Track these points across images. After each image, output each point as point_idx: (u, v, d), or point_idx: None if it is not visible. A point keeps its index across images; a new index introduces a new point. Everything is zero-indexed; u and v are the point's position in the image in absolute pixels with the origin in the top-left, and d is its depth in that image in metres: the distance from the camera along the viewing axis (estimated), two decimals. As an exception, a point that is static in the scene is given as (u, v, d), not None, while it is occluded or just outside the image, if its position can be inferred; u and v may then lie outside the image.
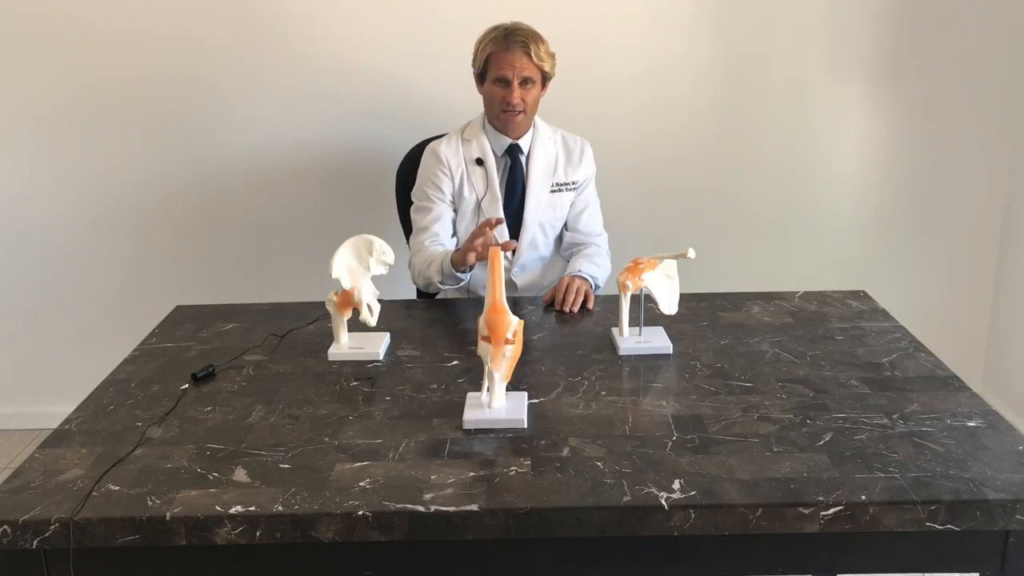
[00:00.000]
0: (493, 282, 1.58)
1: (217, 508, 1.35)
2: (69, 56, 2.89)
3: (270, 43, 2.89)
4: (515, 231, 2.41)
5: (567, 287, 2.19)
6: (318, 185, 3.03)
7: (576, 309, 2.16)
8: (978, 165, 3.05)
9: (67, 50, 2.88)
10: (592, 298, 2.20)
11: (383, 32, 2.89)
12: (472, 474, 1.43)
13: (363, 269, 1.90)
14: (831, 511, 1.34)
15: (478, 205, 2.37)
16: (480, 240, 2.11)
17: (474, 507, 1.34)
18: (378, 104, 2.94)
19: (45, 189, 3.02)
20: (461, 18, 2.82)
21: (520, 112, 2.29)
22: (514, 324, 1.60)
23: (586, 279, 2.26)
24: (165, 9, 2.85)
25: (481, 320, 1.60)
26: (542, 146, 2.40)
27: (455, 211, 2.40)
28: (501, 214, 2.37)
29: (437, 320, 2.16)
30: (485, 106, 2.37)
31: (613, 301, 2.16)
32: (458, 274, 2.21)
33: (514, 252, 2.41)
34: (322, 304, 1.97)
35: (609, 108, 2.96)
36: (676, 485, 1.39)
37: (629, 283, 1.90)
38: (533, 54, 2.24)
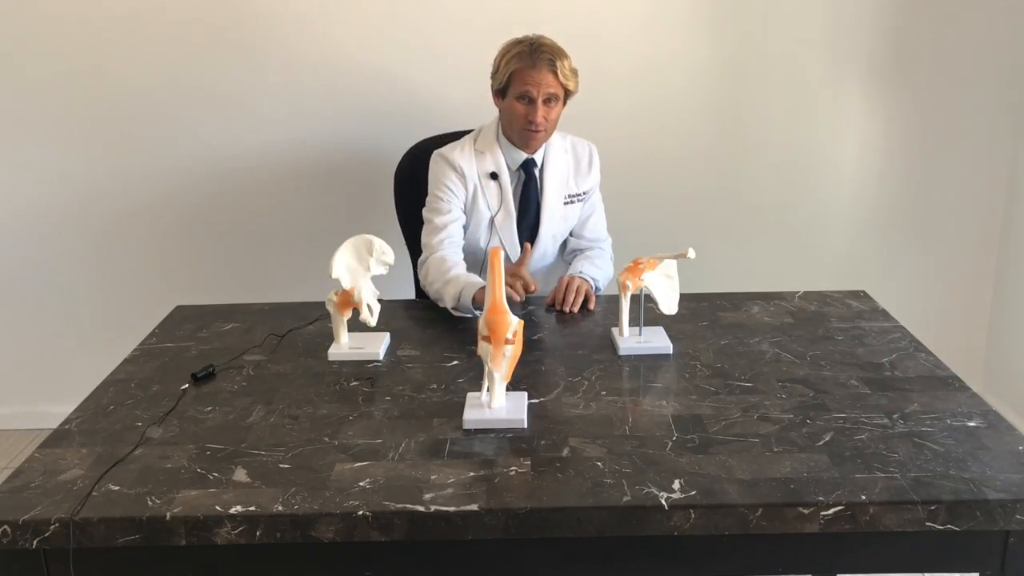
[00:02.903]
0: (493, 282, 1.58)
1: (217, 508, 1.35)
2: (69, 55, 2.89)
3: (271, 41, 2.89)
4: (532, 243, 2.34)
5: (567, 287, 2.19)
6: (318, 185, 3.03)
7: (576, 309, 2.16)
8: (978, 165, 3.05)
9: (67, 49, 2.88)
10: (592, 298, 2.20)
11: (383, 31, 2.89)
12: (472, 474, 1.43)
13: (363, 269, 1.90)
14: (831, 511, 1.34)
15: (491, 221, 2.33)
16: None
17: (474, 507, 1.34)
18: (379, 103, 2.94)
19: (45, 189, 3.02)
20: (461, 17, 2.82)
21: (542, 131, 2.24)
22: (514, 324, 1.60)
23: (586, 280, 2.26)
24: (165, 6, 2.85)
25: (481, 320, 1.60)
26: (555, 159, 2.36)
27: (468, 219, 2.34)
28: (515, 232, 2.33)
29: (437, 320, 2.16)
30: (503, 121, 2.30)
31: (613, 301, 2.16)
32: (476, 312, 2.10)
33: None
34: (322, 304, 1.97)
35: (607, 106, 2.95)
36: (676, 485, 1.39)
37: (629, 283, 1.90)
38: (559, 72, 2.19)
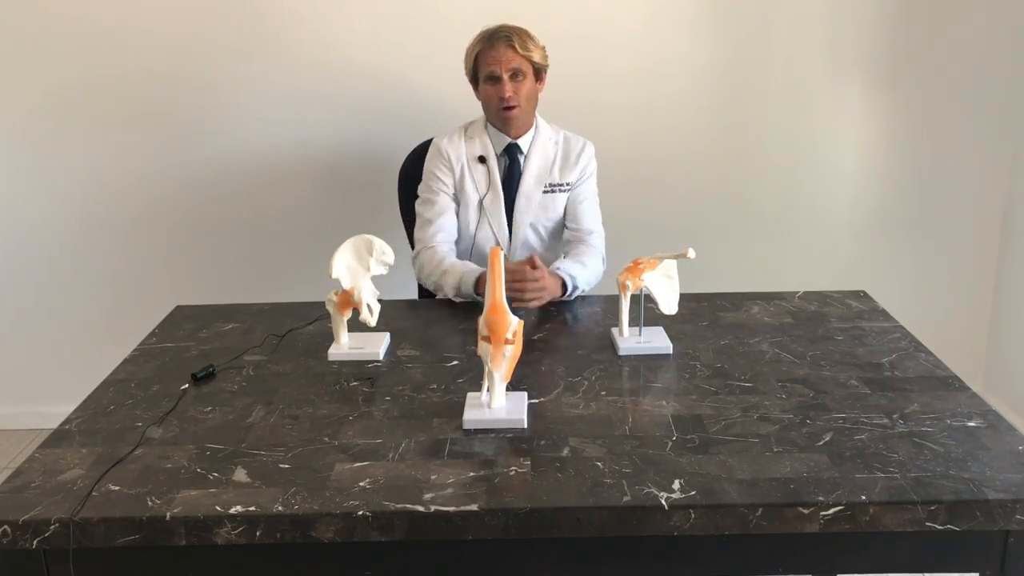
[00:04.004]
0: (493, 282, 1.58)
1: (217, 508, 1.35)
2: (69, 54, 2.89)
3: (272, 42, 2.89)
4: (509, 229, 2.40)
5: (528, 276, 2.08)
6: (319, 185, 3.03)
7: (529, 305, 2.09)
8: (978, 165, 3.05)
9: (68, 48, 2.89)
10: (558, 296, 2.16)
11: (385, 32, 2.89)
12: (472, 474, 1.43)
13: (363, 269, 1.90)
14: (831, 511, 1.34)
15: (480, 203, 2.37)
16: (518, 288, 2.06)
17: (474, 507, 1.34)
18: (380, 104, 2.94)
19: (45, 188, 3.02)
20: (463, 18, 2.81)
21: (515, 106, 2.28)
22: (514, 324, 1.60)
23: (562, 277, 2.18)
24: (166, 7, 2.85)
25: (481, 320, 1.60)
26: (541, 146, 2.39)
27: (458, 204, 2.39)
28: (503, 215, 2.37)
29: (437, 320, 2.16)
30: (484, 109, 2.37)
31: (613, 301, 2.16)
32: (478, 297, 2.16)
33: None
34: (322, 304, 1.97)
35: (607, 106, 2.95)
36: (676, 485, 1.39)
37: (629, 283, 1.90)
38: (518, 46, 2.24)
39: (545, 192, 2.39)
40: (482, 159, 2.36)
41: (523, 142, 2.38)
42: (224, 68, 2.91)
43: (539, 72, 2.32)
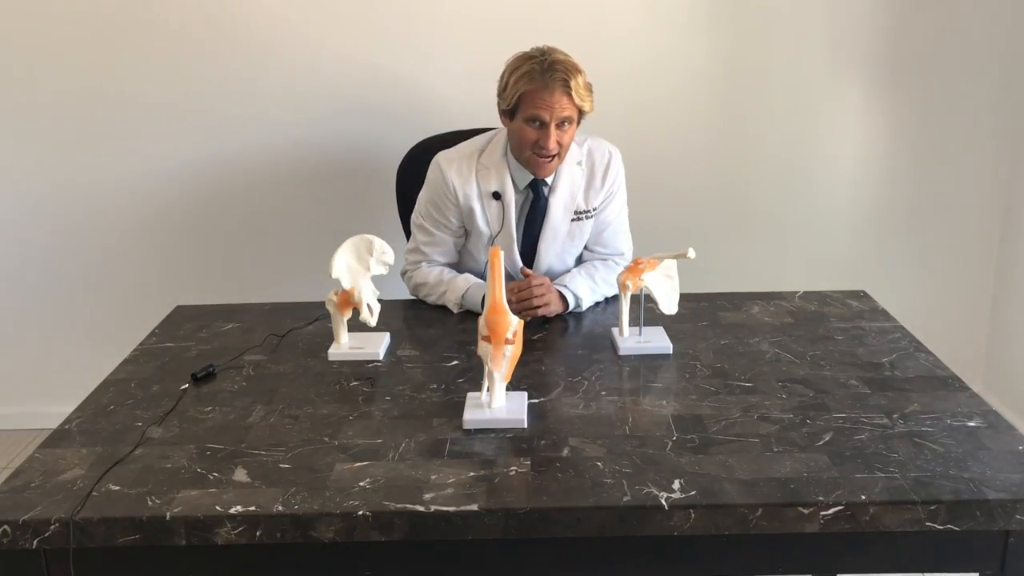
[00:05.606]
0: (493, 282, 1.58)
1: (217, 508, 1.35)
2: (70, 59, 2.89)
3: (270, 41, 2.88)
4: (531, 262, 2.24)
5: (530, 288, 2.04)
6: (318, 185, 3.03)
7: (538, 312, 2.05)
8: (978, 165, 3.05)
9: (68, 53, 2.88)
10: (558, 311, 2.09)
11: (384, 30, 2.88)
12: (472, 474, 1.43)
13: (363, 269, 1.90)
14: (831, 511, 1.34)
15: (492, 240, 2.20)
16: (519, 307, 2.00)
17: (474, 507, 1.34)
18: (379, 103, 2.94)
19: (44, 189, 3.02)
20: (463, 15, 2.82)
21: (555, 156, 2.07)
22: (514, 324, 1.60)
23: (564, 294, 2.09)
24: (164, 7, 2.85)
25: (481, 320, 1.60)
26: (567, 175, 2.17)
27: (466, 233, 2.23)
28: (516, 254, 2.21)
29: (437, 320, 2.16)
30: (512, 142, 2.12)
31: (613, 301, 2.16)
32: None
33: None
34: (322, 304, 1.97)
35: (606, 105, 2.89)
36: (676, 485, 1.39)
37: (629, 283, 1.90)
38: (574, 92, 2.00)
39: (573, 220, 2.22)
40: (496, 195, 2.15)
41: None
42: (224, 68, 2.90)
43: (582, 116, 2.10)
